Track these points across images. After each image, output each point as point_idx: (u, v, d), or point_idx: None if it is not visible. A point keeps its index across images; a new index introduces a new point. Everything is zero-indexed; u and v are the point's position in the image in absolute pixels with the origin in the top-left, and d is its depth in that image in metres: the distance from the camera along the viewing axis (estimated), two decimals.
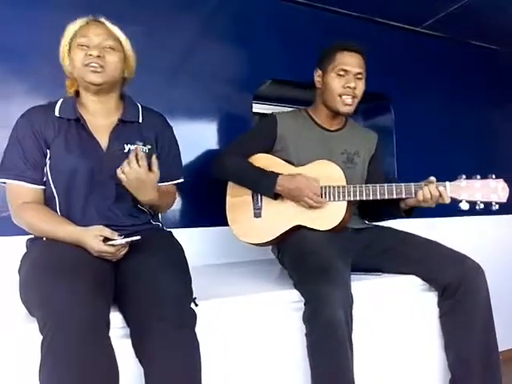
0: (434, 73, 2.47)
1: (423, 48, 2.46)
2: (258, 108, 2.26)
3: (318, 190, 1.44)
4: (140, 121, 1.28)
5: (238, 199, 1.58)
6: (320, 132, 1.60)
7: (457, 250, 1.42)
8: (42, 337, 0.89)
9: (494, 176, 1.35)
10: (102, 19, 1.24)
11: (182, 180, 1.38)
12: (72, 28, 1.22)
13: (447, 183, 1.37)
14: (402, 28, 2.40)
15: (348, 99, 1.51)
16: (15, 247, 1.19)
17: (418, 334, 1.43)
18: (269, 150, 1.59)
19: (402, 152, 2.34)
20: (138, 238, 1.09)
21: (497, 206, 1.34)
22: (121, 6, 1.68)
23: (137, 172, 1.12)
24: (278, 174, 1.47)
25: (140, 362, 0.99)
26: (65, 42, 1.23)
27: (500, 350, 1.35)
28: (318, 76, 1.59)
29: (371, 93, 2.32)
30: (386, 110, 2.37)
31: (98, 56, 1.18)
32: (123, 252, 1.11)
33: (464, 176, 1.36)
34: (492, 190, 1.34)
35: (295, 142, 1.55)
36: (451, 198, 1.36)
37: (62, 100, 1.24)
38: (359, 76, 1.51)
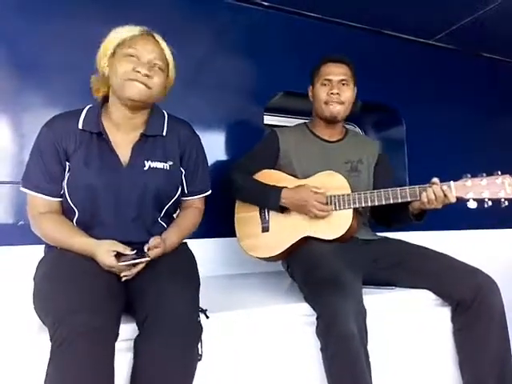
0: (446, 85, 2.46)
1: (435, 60, 2.46)
2: (269, 120, 2.27)
3: (323, 199, 1.45)
4: (164, 134, 1.24)
5: (245, 215, 1.60)
6: (321, 144, 1.63)
7: (469, 264, 1.40)
8: (50, 340, 0.91)
9: (499, 172, 1.31)
10: (156, 34, 1.21)
11: (209, 192, 1.37)
12: (121, 34, 1.17)
13: (451, 183, 1.34)
14: (414, 41, 2.41)
15: (333, 105, 1.56)
16: (32, 256, 1.20)
17: (431, 350, 1.40)
18: (274, 166, 1.61)
19: (413, 164, 2.33)
20: (148, 258, 1.09)
21: (506, 203, 1.29)
22: (135, 17, 1.71)
23: (138, 269, 1.11)
24: (282, 188, 1.49)
25: (134, 363, 0.98)
26: (109, 45, 1.17)
27: None
28: (310, 91, 1.67)
29: (383, 105, 2.34)
30: (398, 123, 2.37)
31: (147, 75, 1.14)
32: (135, 271, 1.10)
33: (469, 175, 1.33)
34: (499, 186, 1.29)
35: (298, 156, 1.59)
36: (458, 197, 1.33)
37: (87, 109, 1.21)
38: (343, 82, 1.57)
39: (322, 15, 2.14)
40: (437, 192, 1.33)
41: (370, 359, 1.18)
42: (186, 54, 1.87)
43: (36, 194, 1.16)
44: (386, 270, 1.48)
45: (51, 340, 0.91)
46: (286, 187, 1.50)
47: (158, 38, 1.21)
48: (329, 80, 1.57)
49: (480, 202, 1.31)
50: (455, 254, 1.45)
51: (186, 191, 1.30)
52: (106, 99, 1.24)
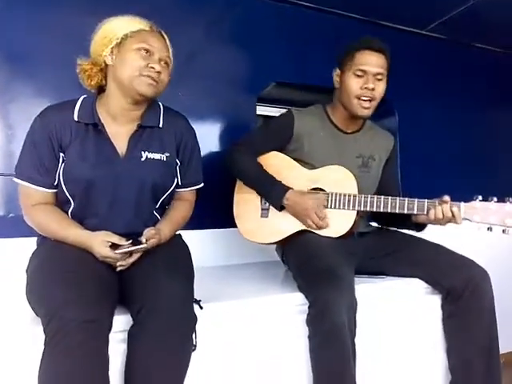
0: (439, 76, 2.46)
1: (428, 50, 2.45)
2: (261, 110, 2.26)
3: (324, 215, 1.42)
4: (160, 125, 1.24)
5: (245, 196, 1.56)
6: (336, 134, 1.56)
7: (462, 254, 1.42)
8: (44, 333, 0.91)
9: (511, 199, 1.28)
10: (162, 31, 1.21)
11: (201, 185, 1.37)
12: (128, 24, 1.16)
13: (462, 204, 1.31)
14: (407, 31, 2.40)
15: (365, 102, 1.45)
16: (23, 248, 1.20)
17: (420, 337, 1.43)
18: (282, 148, 1.55)
19: (405, 154, 2.34)
20: (145, 245, 1.10)
21: (510, 231, 1.26)
22: (128, 7, 1.68)
23: (134, 259, 1.12)
24: (287, 189, 1.45)
25: (128, 354, 1.00)
26: (114, 34, 1.14)
27: (501, 352, 1.35)
28: (336, 75, 1.53)
29: None
30: (390, 113, 2.37)
31: (159, 72, 1.15)
32: (130, 261, 1.11)
33: (480, 197, 1.30)
34: (507, 214, 1.26)
35: (310, 142, 1.52)
36: (464, 218, 1.30)
37: (81, 100, 1.19)
38: (379, 77, 1.44)
39: (314, 4, 2.12)
40: (445, 212, 1.30)
41: (361, 346, 1.21)
42: (178, 44, 1.83)
43: (29, 184, 1.14)
44: (378, 259, 1.50)
45: (44, 332, 0.91)
46: (292, 189, 1.45)
47: (165, 36, 1.21)
48: (364, 71, 1.42)
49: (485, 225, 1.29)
50: (449, 243, 1.47)
51: (180, 183, 1.30)
52: (100, 89, 1.22)
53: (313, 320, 1.19)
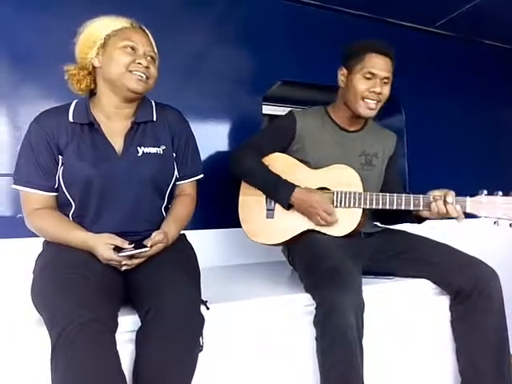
0: (446, 73, 2.44)
1: (436, 48, 2.43)
2: (267, 109, 2.25)
3: (330, 210, 1.41)
4: (154, 119, 1.25)
5: (250, 198, 1.55)
6: (339, 133, 1.56)
7: (470, 254, 1.40)
8: (49, 337, 0.91)
9: None
10: (144, 27, 1.22)
11: (201, 176, 1.36)
12: (109, 24, 1.17)
13: (467, 199, 1.31)
14: (415, 28, 2.37)
15: (372, 104, 1.46)
16: (31, 248, 1.20)
17: (429, 338, 1.42)
18: (285, 149, 1.56)
19: (413, 153, 2.32)
20: (147, 249, 1.10)
21: None
22: (132, 8, 1.69)
23: (139, 260, 1.11)
24: (294, 186, 1.45)
25: (136, 356, 0.99)
26: (97, 35, 1.16)
27: None
28: (342, 74, 1.52)
29: None
30: (397, 111, 2.35)
31: (147, 67, 1.16)
32: (136, 261, 1.11)
33: (485, 191, 1.30)
34: None
35: (313, 142, 1.52)
36: (470, 213, 1.30)
37: (75, 103, 1.21)
38: (386, 80, 1.46)
39: (321, 3, 2.10)
40: (450, 211, 1.30)
41: (369, 347, 1.20)
42: (184, 44, 1.86)
43: (29, 189, 1.14)
44: (385, 260, 1.49)
45: (50, 335, 0.91)
46: (298, 186, 1.45)
47: (147, 30, 1.22)
48: (373, 74, 1.44)
49: (491, 219, 1.29)
50: (457, 243, 1.45)
51: (178, 175, 1.29)
52: (91, 92, 1.24)
53: (320, 321, 1.19)
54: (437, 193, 1.34)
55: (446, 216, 1.31)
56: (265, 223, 1.53)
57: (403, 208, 1.37)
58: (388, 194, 1.39)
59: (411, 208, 1.36)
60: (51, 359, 0.90)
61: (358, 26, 2.21)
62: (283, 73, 2.05)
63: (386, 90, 1.47)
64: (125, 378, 0.94)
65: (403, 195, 1.37)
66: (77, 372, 0.88)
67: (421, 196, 1.36)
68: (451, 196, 1.30)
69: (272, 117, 2.31)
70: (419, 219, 1.44)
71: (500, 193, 1.29)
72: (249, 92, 1.98)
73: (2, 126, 1.57)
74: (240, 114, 1.97)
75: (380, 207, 1.39)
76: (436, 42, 2.43)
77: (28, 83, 1.59)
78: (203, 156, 1.86)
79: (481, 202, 1.30)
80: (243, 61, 1.97)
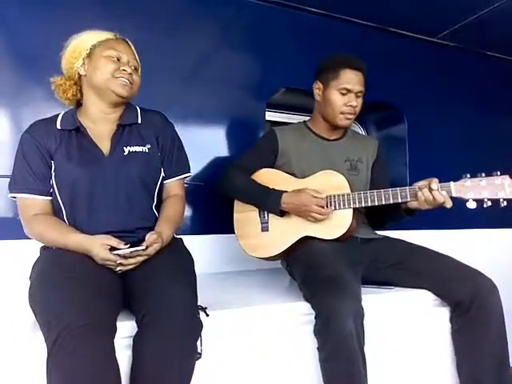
0: (449, 84, 2.45)
1: (438, 58, 2.44)
2: (271, 116, 2.26)
3: (323, 202, 1.44)
4: (139, 121, 1.30)
5: (244, 215, 1.59)
6: (321, 142, 1.62)
7: (469, 265, 1.39)
8: (45, 342, 0.91)
9: (498, 173, 1.31)
10: (126, 39, 1.30)
11: (189, 174, 1.37)
12: (95, 36, 1.24)
13: (451, 183, 1.34)
14: (418, 38, 2.39)
15: (349, 116, 1.54)
16: (31, 250, 1.20)
17: (430, 350, 1.41)
18: (272, 165, 1.60)
19: (414, 162, 2.33)
20: (143, 247, 1.10)
21: (505, 203, 1.29)
22: (137, 13, 1.70)
23: (136, 260, 1.12)
24: (282, 192, 1.48)
25: (133, 362, 0.99)
26: (83, 46, 1.24)
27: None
28: (317, 89, 1.59)
29: (385, 103, 2.33)
30: (400, 121, 2.36)
31: (130, 73, 1.24)
32: (132, 261, 1.11)
33: (468, 175, 1.33)
34: (498, 187, 1.30)
35: (297, 154, 1.57)
36: (457, 197, 1.33)
37: (63, 113, 1.27)
38: (359, 94, 1.53)
39: (324, 11, 2.12)
40: (437, 197, 1.32)
41: (369, 358, 1.19)
42: (189, 49, 1.86)
43: (26, 195, 1.18)
44: (385, 269, 1.48)
45: (46, 341, 0.91)
46: (286, 191, 1.48)
47: (129, 42, 1.30)
48: (348, 90, 1.51)
49: (479, 201, 1.31)
50: (456, 253, 1.45)
51: (164, 174, 1.31)
52: (78, 103, 1.30)
53: (320, 330, 1.18)
54: (421, 182, 1.36)
55: (434, 203, 1.33)
56: (261, 237, 1.55)
57: (391, 201, 1.39)
58: (375, 191, 1.42)
59: (399, 200, 1.38)
60: (47, 364, 0.89)
61: (360, 35, 2.22)
62: (287, 80, 2.06)
63: (360, 103, 1.55)
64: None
65: (390, 189, 1.40)
66: (72, 378, 0.87)
67: (407, 188, 1.39)
68: (435, 183, 1.33)
69: (274, 123, 2.31)
70: (410, 212, 1.45)
71: (483, 174, 1.32)
72: (253, 98, 1.98)
73: (4, 127, 1.58)
74: (244, 120, 1.98)
75: (369, 204, 1.41)
76: (439, 53, 2.44)
77: (32, 84, 1.59)
78: (205, 161, 1.88)
79: (465, 186, 1.32)
80: (247, 67, 1.98)
